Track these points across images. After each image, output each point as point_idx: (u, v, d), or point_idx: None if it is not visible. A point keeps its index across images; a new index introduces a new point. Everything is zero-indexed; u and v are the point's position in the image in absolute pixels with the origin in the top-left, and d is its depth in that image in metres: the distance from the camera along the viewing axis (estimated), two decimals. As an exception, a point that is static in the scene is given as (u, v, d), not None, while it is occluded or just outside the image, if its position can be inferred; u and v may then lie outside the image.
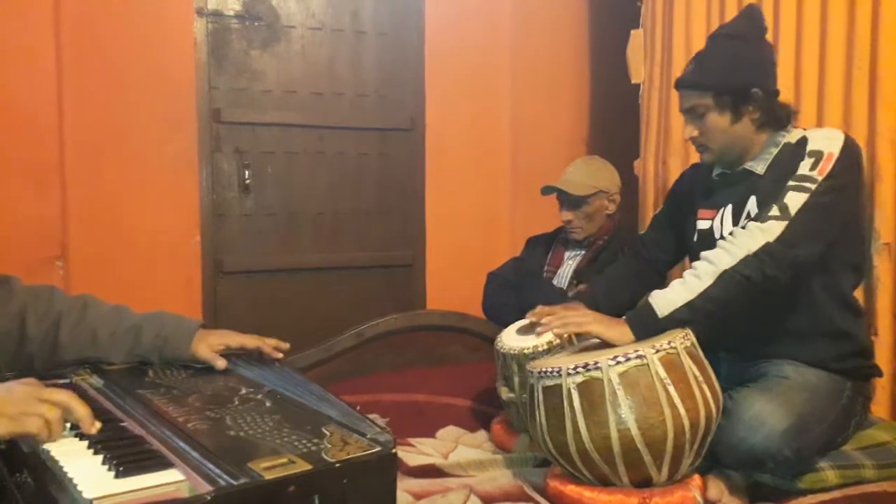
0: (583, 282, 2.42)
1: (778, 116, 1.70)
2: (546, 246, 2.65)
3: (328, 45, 3.08)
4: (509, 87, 3.34)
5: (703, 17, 2.56)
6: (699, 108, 1.69)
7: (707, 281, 1.52)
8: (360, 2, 3.13)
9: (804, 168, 1.56)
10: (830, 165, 1.55)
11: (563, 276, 2.54)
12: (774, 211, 1.53)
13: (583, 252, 2.51)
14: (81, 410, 1.01)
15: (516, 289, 2.54)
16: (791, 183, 1.55)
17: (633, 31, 2.84)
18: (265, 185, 3.01)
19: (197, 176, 2.85)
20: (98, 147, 2.68)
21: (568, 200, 2.46)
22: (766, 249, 1.50)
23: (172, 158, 2.80)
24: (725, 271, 1.51)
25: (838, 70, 2.20)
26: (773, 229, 1.51)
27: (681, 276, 1.58)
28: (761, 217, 1.54)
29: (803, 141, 1.63)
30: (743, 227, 1.57)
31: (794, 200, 1.52)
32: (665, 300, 1.54)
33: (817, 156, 1.56)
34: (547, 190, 2.49)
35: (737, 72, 1.66)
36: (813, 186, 1.53)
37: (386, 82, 3.19)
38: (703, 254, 1.57)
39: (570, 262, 2.54)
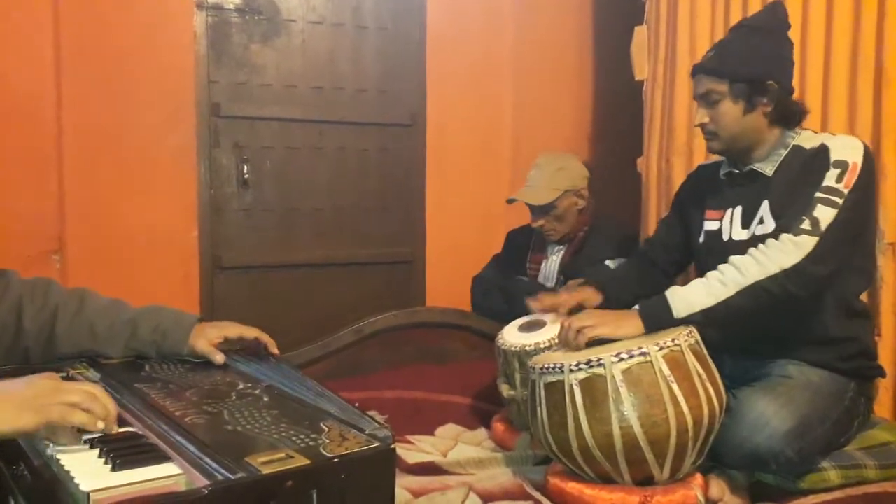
0: (570, 276, 2.40)
1: (790, 114, 1.70)
2: (526, 239, 2.63)
3: (329, 40, 3.07)
4: (511, 82, 3.33)
5: (707, 15, 2.55)
6: (713, 95, 1.69)
7: (731, 290, 1.51)
8: (361, -4, 3.12)
9: (830, 179, 1.56)
10: (855, 177, 1.55)
11: (549, 271, 2.52)
12: (806, 224, 1.52)
13: (564, 246, 2.49)
14: (109, 403, 0.98)
15: (503, 290, 2.52)
16: (819, 194, 1.55)
17: (636, 28, 2.83)
18: (264, 180, 2.99)
19: (195, 170, 2.84)
20: (96, 141, 2.67)
21: (535, 208, 2.44)
22: (798, 267, 1.49)
23: (171, 152, 2.79)
24: (752, 284, 1.50)
25: (843, 68, 2.19)
26: (805, 245, 1.50)
27: (703, 276, 1.57)
28: (793, 229, 1.53)
29: (823, 149, 1.62)
30: (775, 238, 1.55)
31: (825, 215, 1.52)
32: (684, 301, 1.53)
33: (843, 166, 1.56)
34: (511, 200, 2.47)
35: (756, 63, 1.67)
36: (841, 201, 1.53)
37: (387, 77, 3.18)
38: (733, 259, 1.56)
39: (554, 258, 2.52)
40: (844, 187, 1.54)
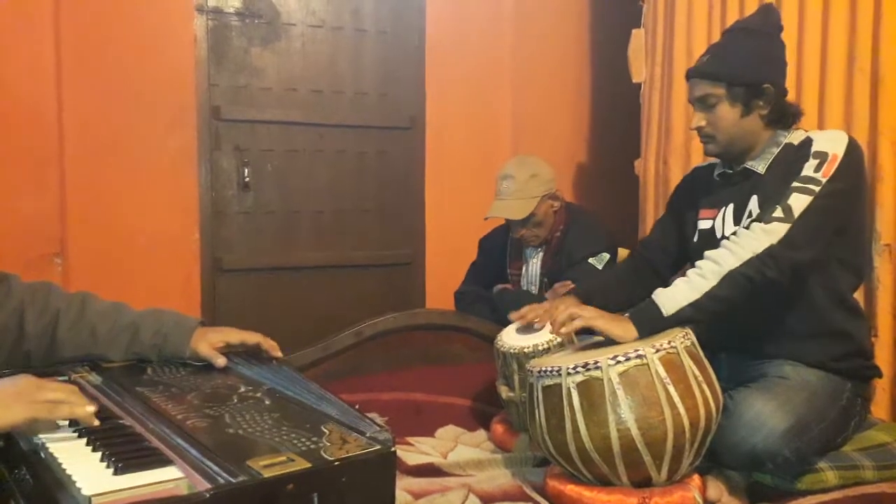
0: (554, 278, 2.40)
1: (785, 115, 1.71)
2: (500, 245, 2.62)
3: (328, 43, 3.08)
4: (510, 85, 3.34)
5: (704, 18, 2.57)
6: (710, 99, 1.69)
7: (712, 281, 1.52)
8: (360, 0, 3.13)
9: (808, 169, 1.57)
10: (835, 167, 1.56)
11: (531, 276, 2.51)
12: (778, 212, 1.53)
13: (542, 248, 2.49)
14: (80, 408, 1.01)
15: (491, 303, 2.51)
16: (795, 184, 1.56)
17: (634, 31, 2.84)
18: (265, 182, 3.00)
19: (196, 173, 2.85)
20: (97, 143, 2.68)
21: (514, 221, 2.44)
22: (770, 252, 1.50)
23: (172, 155, 2.80)
24: (730, 272, 1.51)
25: (839, 70, 2.20)
26: (776, 231, 1.51)
27: (684, 276, 1.58)
28: (765, 217, 1.54)
29: (807, 142, 1.63)
30: (746, 228, 1.57)
31: (798, 202, 1.53)
32: (670, 299, 1.54)
33: (822, 157, 1.57)
34: (489, 217, 2.46)
35: (752, 65, 1.68)
36: (817, 189, 1.54)
37: (386, 80, 3.19)
38: (707, 253, 1.57)
39: (534, 261, 2.52)
40: (822, 176, 1.55)
